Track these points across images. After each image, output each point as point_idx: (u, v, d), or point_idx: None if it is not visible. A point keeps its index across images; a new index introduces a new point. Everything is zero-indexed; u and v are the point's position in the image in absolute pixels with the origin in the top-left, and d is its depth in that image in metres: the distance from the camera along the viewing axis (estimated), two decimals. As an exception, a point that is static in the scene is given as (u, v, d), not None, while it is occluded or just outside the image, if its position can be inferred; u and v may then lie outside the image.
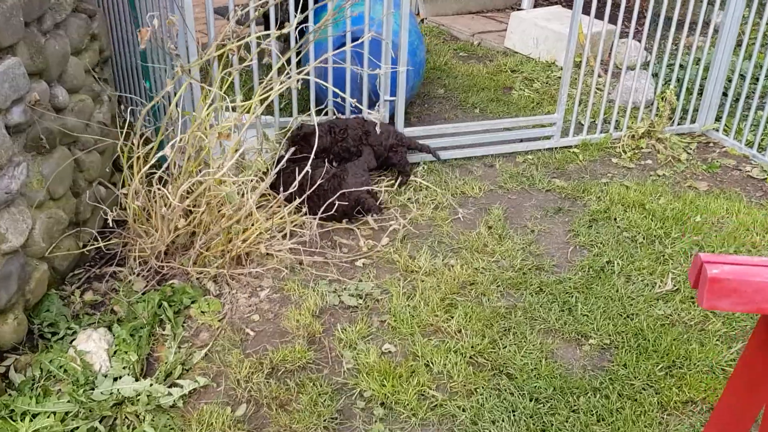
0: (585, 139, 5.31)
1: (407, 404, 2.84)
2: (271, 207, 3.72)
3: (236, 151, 3.25)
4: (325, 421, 2.77)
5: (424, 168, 4.84)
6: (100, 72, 4.38)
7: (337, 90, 3.99)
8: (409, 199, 4.47)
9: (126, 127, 3.59)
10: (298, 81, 3.41)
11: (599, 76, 6.19)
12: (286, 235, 3.74)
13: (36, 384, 2.98)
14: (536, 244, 4.02)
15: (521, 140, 5.30)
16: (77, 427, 2.73)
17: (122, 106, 4.15)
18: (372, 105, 4.87)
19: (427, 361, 3.08)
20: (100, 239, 3.67)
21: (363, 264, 3.81)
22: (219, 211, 3.33)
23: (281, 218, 3.54)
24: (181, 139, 3.16)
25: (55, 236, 3.48)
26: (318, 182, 3.80)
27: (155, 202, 3.21)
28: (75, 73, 3.71)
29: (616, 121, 5.40)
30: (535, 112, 5.98)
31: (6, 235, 3.08)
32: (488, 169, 4.98)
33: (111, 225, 3.69)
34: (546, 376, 3.01)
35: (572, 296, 3.54)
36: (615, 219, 4.25)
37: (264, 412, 2.82)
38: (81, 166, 3.76)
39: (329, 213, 3.85)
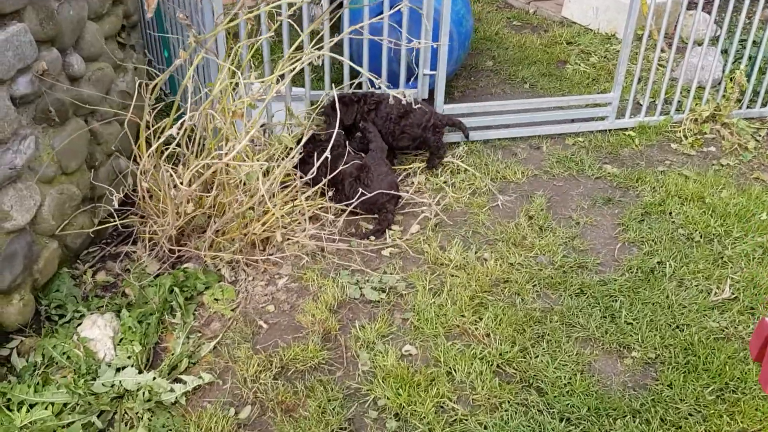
0: (642, 121, 4.88)
1: (423, 417, 2.60)
2: (290, 191, 3.46)
3: (249, 132, 2.98)
4: (332, 431, 2.54)
5: (463, 148, 4.51)
6: (126, 38, 4.19)
7: (357, 67, 3.68)
8: (445, 182, 4.17)
9: (151, 98, 3.37)
10: (319, 57, 3.10)
11: (662, 51, 5.69)
12: (308, 219, 3.49)
13: (37, 371, 2.84)
14: (580, 239, 3.68)
15: (573, 120, 4.91)
16: (73, 422, 2.57)
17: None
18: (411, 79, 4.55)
19: (450, 368, 2.82)
20: (116, 216, 3.50)
21: (390, 253, 3.55)
22: (239, 193, 3.10)
23: (299, 203, 3.28)
24: (191, 117, 2.92)
25: (68, 213, 3.32)
26: (339, 168, 3.55)
27: (164, 183, 2.99)
28: (93, 40, 3.51)
29: (678, 102, 4.94)
30: (590, 89, 5.56)
31: (10, 212, 2.92)
32: (534, 152, 4.62)
33: (125, 203, 3.54)
34: (580, 393, 2.72)
35: (616, 301, 3.21)
36: (670, 213, 3.87)
37: (268, 416, 2.62)
38: (98, 139, 3.58)
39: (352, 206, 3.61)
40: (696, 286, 3.31)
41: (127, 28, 4.19)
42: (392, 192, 3.71)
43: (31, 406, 2.67)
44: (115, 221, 3.47)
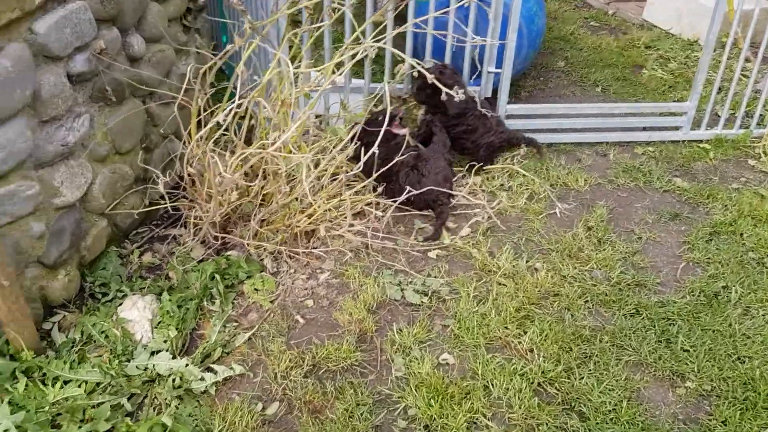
0: (719, 134, 4.58)
1: (454, 432, 2.48)
2: (336, 184, 3.37)
3: (296, 123, 2.91)
4: (357, 437, 2.46)
5: (525, 150, 4.33)
6: (192, 21, 4.19)
7: (410, 59, 3.55)
8: (501, 185, 4.01)
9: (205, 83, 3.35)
10: (372, 49, 2.99)
11: (747, 60, 5.33)
12: (356, 213, 3.40)
13: (74, 347, 2.86)
14: (641, 255, 3.47)
15: (644, 128, 4.66)
16: (103, 402, 2.57)
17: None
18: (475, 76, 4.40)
19: (487, 382, 2.69)
20: (167, 198, 3.50)
21: (437, 255, 3.44)
22: (282, 184, 3.04)
23: (343, 199, 3.19)
24: (239, 105, 2.87)
25: (119, 192, 3.34)
26: (394, 160, 3.44)
27: (210, 169, 2.96)
28: (155, 22, 3.51)
29: (761, 115, 4.62)
30: (665, 96, 5.27)
31: (60, 189, 2.95)
32: (600, 159, 4.40)
33: (179, 186, 3.54)
34: (625, 421, 2.54)
35: (674, 324, 3.00)
36: (741, 235, 3.60)
37: (294, 415, 2.56)
38: (155, 121, 3.59)
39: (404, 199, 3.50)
40: (763, 315, 3.06)
41: (193, 11, 4.20)
42: (444, 189, 3.58)
43: (66, 382, 2.69)
44: (165, 203, 3.47)
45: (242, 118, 3.12)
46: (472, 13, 4.05)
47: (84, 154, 3.08)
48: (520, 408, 2.57)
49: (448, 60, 4.20)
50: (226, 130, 3.08)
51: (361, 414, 2.54)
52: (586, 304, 3.11)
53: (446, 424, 2.50)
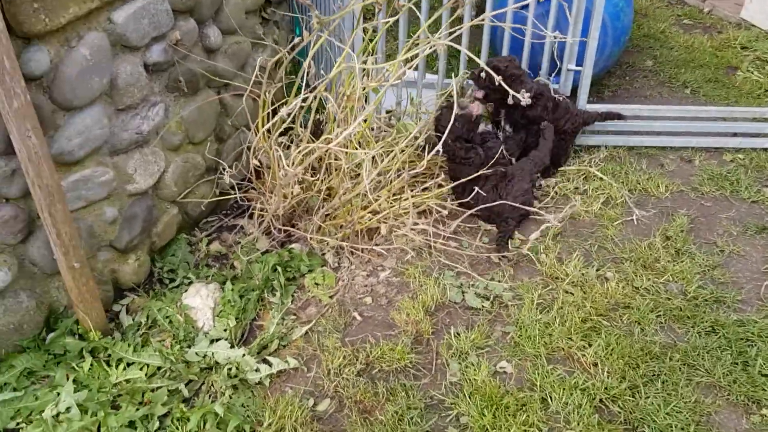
0: (820, 143, 4.25)
1: (506, 444, 2.40)
2: (399, 181, 3.31)
3: (358, 118, 2.87)
4: (406, 442, 2.41)
5: (604, 153, 4.16)
6: (271, 14, 4.23)
7: (475, 57, 3.44)
8: (576, 188, 3.86)
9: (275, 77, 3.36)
10: (437, 46, 2.90)
11: None
12: (414, 213, 3.35)
13: (139, 330, 2.94)
14: (722, 269, 3.25)
15: (735, 134, 4.37)
16: (160, 387, 2.63)
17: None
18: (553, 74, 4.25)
19: (545, 394, 2.58)
20: (237, 189, 3.55)
21: (501, 259, 3.33)
22: (345, 179, 3.02)
23: (405, 198, 3.14)
24: (305, 99, 2.86)
25: (190, 181, 3.41)
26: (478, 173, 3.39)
27: (274, 162, 2.97)
28: (232, 14, 3.55)
29: None
30: (760, 101, 4.93)
31: (134, 176, 3.04)
32: (684, 165, 4.17)
33: (250, 177, 3.57)
34: (692, 447, 2.39)
35: (753, 346, 2.80)
36: (838, 253, 3.33)
37: (344, 414, 2.54)
38: (228, 112, 3.64)
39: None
40: None
41: (273, 3, 4.23)
42: (520, 206, 3.46)
43: (129, 364, 2.77)
44: (234, 194, 3.53)
45: (315, 111, 3.11)
46: (553, 9, 3.90)
47: (158, 142, 3.17)
48: (578, 424, 2.46)
49: (525, 56, 4.06)
50: (293, 123, 3.08)
51: (411, 418, 2.50)
52: (658, 319, 2.95)
53: (499, 435, 2.42)
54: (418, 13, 3.43)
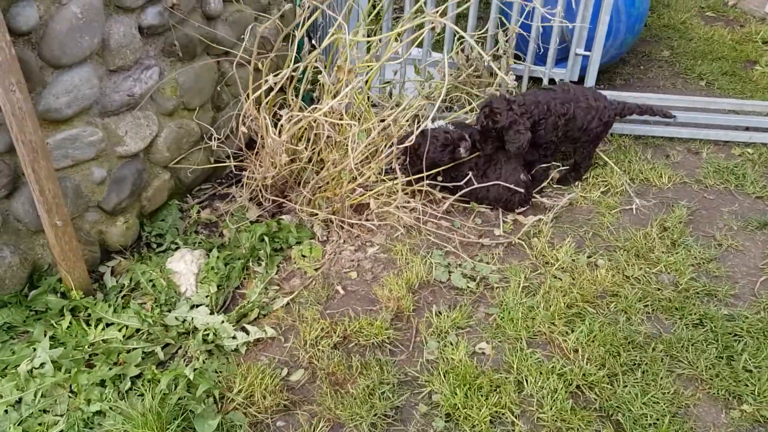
0: (834, 140, 4.13)
1: (475, 425, 2.36)
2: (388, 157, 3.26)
3: (347, 89, 2.83)
4: (375, 416, 2.39)
5: (611, 141, 4.07)
6: (278, -16, 4.18)
7: (464, 33, 3.36)
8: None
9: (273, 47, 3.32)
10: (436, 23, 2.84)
11: None
12: (417, 191, 3.31)
13: (122, 292, 2.95)
14: (718, 263, 3.18)
15: (747, 128, 4.27)
16: (135, 348, 2.63)
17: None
18: (561, 61, 4.17)
19: (521, 378, 2.54)
20: (232, 158, 3.53)
21: (492, 241, 3.28)
22: (333, 151, 2.99)
23: (393, 177, 3.10)
24: (295, 69, 2.82)
25: (184, 147, 3.40)
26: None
27: (262, 130, 2.94)
28: (234, -19, 3.52)
29: None
30: (777, 96, 4.80)
31: (124, 138, 3.03)
32: (690, 157, 4.07)
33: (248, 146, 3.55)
34: (666, 438, 2.34)
35: (741, 341, 2.73)
36: (840, 253, 3.23)
37: (316, 385, 2.52)
38: (228, 80, 3.61)
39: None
40: None
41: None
42: (515, 188, 3.38)
43: (108, 325, 2.77)
44: (229, 162, 3.51)
45: (311, 82, 3.07)
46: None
47: (153, 106, 3.15)
48: (551, 409, 2.41)
49: (533, 36, 3.97)
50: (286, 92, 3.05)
51: (383, 393, 2.47)
52: (645, 309, 2.89)
53: (469, 415, 2.38)
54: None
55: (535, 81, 4.35)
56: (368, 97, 3.80)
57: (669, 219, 3.44)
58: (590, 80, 4.07)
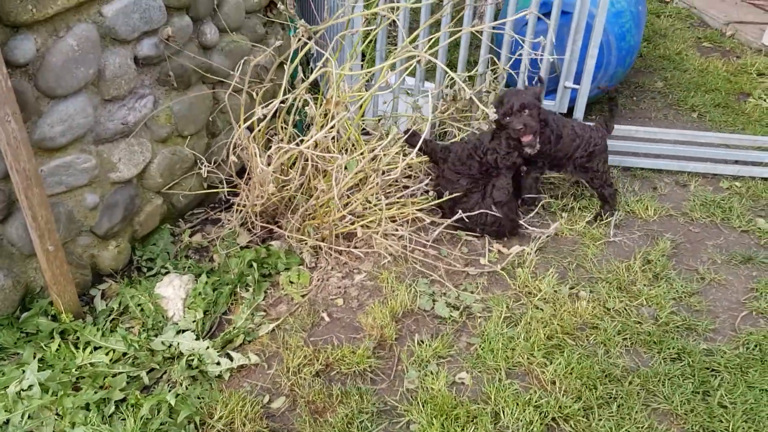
0: (821, 175, 4.18)
1: (451, 455, 2.40)
2: (371, 187, 3.33)
3: (335, 121, 2.91)
4: (352, 444, 2.43)
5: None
6: (277, 15, 4.28)
7: (448, 70, 3.44)
8: (565, 205, 3.84)
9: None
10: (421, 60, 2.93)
11: None
12: (411, 220, 3.37)
13: (111, 316, 3.01)
14: (699, 297, 3.22)
15: (736, 162, 4.33)
16: (121, 372, 2.69)
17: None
18: (550, 92, 4.25)
19: (498, 409, 2.58)
20: (225, 184, 3.61)
21: (477, 270, 3.34)
22: (320, 181, 3.06)
23: (375, 204, 3.16)
24: (282, 102, 2.91)
25: (177, 173, 3.47)
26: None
27: (251, 160, 3.02)
28: (232, 13, 3.62)
29: None
30: (768, 129, 4.87)
31: (117, 164, 3.11)
32: (678, 189, 4.13)
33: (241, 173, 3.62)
34: (638, 472, 2.37)
35: (717, 377, 2.76)
36: (822, 289, 3.27)
37: (296, 413, 2.56)
38: (223, 108, 3.69)
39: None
40: (826, 381, 2.76)
41: (278, 5, 4.28)
42: (497, 214, 3.43)
43: (96, 348, 2.83)
44: (222, 188, 3.59)
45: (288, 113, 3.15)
46: (551, 27, 3.89)
47: (147, 133, 3.23)
48: (525, 441, 2.46)
49: (522, 70, 4.05)
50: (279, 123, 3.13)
51: (361, 422, 2.51)
52: (624, 342, 2.93)
53: (445, 445, 2.43)
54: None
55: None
56: (361, 127, 3.90)
57: (653, 252, 3.49)
58: (579, 112, 4.14)
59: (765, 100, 5.30)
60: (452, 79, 3.39)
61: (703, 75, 5.74)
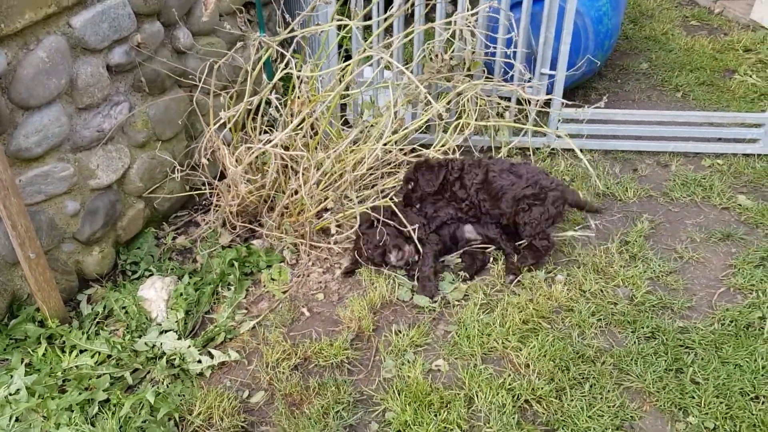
0: (803, 149, 4.18)
1: (424, 440, 2.45)
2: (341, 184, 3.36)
3: (304, 121, 2.96)
4: (328, 435, 2.49)
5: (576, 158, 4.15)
6: (254, 16, 4.33)
7: (398, 63, 3.46)
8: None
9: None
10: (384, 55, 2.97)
11: None
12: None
13: (96, 320, 3.08)
14: (677, 276, 3.25)
15: (719, 139, 4.33)
16: (104, 374, 2.76)
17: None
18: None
19: (472, 393, 2.63)
20: (207, 185, 3.67)
21: (455, 259, 3.38)
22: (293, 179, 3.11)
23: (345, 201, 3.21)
24: (250, 102, 2.96)
25: (158, 177, 3.54)
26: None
27: (222, 160, 3.08)
28: (201, 14, 3.67)
29: None
30: (753, 105, 4.86)
31: (96, 171, 3.17)
32: (659, 170, 4.15)
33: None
34: (608, 450, 2.41)
35: (691, 353, 2.80)
36: (798, 262, 3.29)
37: (274, 406, 2.62)
38: (201, 110, 3.75)
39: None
40: (799, 353, 2.78)
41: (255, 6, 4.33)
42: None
43: (81, 351, 2.90)
44: (203, 190, 3.65)
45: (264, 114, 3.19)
46: (524, 15, 3.92)
47: (125, 139, 3.29)
48: (497, 423, 2.50)
49: (498, 57, 4.07)
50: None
51: (337, 412, 2.57)
52: (599, 323, 2.96)
53: (418, 431, 2.47)
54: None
55: (506, 99, 4.42)
56: (341, 121, 3.94)
57: (631, 233, 3.51)
58: (557, 97, 4.15)
59: (750, 76, 5.29)
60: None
61: (689, 54, 5.73)
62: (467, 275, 3.21)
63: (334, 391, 2.65)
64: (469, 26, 3.36)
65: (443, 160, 3.46)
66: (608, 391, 2.63)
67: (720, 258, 3.39)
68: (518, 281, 3.17)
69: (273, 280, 3.29)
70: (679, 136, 4.30)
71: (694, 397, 2.60)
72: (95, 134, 3.12)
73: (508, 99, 4.20)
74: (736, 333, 2.88)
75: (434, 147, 3.67)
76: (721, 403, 2.57)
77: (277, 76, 3.09)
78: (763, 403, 2.56)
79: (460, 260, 3.34)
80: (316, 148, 3.31)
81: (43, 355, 2.86)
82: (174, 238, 3.58)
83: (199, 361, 2.84)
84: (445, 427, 2.49)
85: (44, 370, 2.77)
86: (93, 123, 3.10)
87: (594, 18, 4.46)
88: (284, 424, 2.52)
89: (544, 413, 2.56)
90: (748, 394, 2.61)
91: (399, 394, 2.63)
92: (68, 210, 3.09)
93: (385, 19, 3.39)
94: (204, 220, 3.60)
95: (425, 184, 3.33)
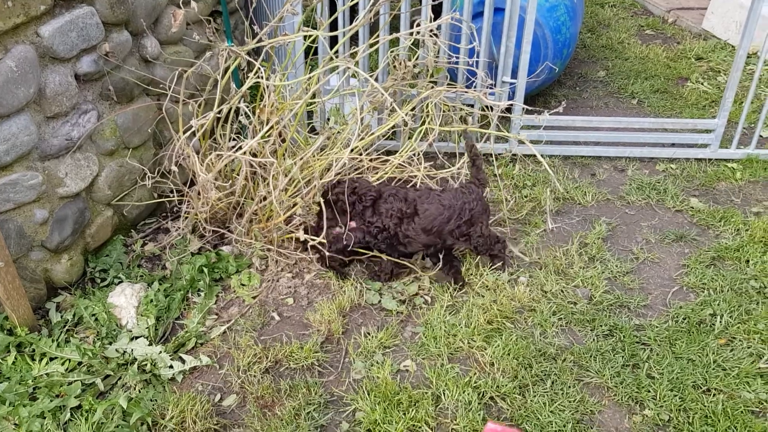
0: (752, 154, 4.39)
1: (393, 438, 2.53)
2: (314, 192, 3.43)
3: (274, 128, 3.03)
4: (300, 435, 2.55)
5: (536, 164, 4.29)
6: (221, 24, 4.37)
7: (362, 71, 3.56)
8: (508, 197, 3.99)
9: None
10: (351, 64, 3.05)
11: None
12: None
13: (66, 327, 3.09)
14: (633, 276, 3.39)
15: (673, 145, 4.52)
16: (75, 380, 2.78)
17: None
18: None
19: (439, 392, 2.72)
20: (175, 193, 3.70)
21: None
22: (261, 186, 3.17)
23: (309, 206, 3.28)
24: (219, 111, 3.02)
25: (126, 185, 3.56)
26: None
27: (191, 168, 3.13)
28: (171, 25, 3.71)
29: (798, 136, 4.39)
30: (704, 112, 5.08)
31: (65, 179, 3.19)
32: (616, 174, 4.31)
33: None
34: (569, 443, 2.52)
35: (647, 349, 2.93)
36: (747, 261, 3.46)
37: (246, 409, 2.68)
38: (170, 118, 3.78)
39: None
40: (747, 348, 2.93)
41: (222, 15, 4.37)
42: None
43: (51, 359, 2.91)
44: (171, 197, 3.67)
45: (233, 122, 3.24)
46: (485, 24, 4.04)
47: (93, 148, 3.31)
48: (464, 420, 2.59)
49: (461, 66, 4.19)
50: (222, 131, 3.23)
51: (308, 413, 2.64)
52: (560, 322, 3.08)
53: (388, 430, 2.55)
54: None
55: (470, 106, 4.54)
56: (308, 128, 4.01)
57: (589, 236, 3.65)
58: (518, 108, 4.28)
59: (702, 84, 5.52)
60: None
61: (644, 62, 5.94)
62: (459, 286, 3.28)
63: (305, 392, 2.72)
64: (432, 36, 3.45)
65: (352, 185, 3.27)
66: (569, 386, 2.74)
67: (673, 258, 3.55)
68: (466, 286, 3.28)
69: (243, 285, 3.33)
70: (634, 142, 4.47)
71: (649, 391, 2.73)
72: (64, 143, 3.13)
73: (472, 106, 4.31)
74: (688, 329, 3.03)
75: (400, 153, 3.76)
76: (675, 396, 2.70)
77: (247, 84, 3.15)
78: (714, 395, 2.70)
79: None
80: (284, 156, 3.37)
81: (13, 363, 2.86)
82: (143, 245, 3.60)
83: (171, 367, 2.87)
84: (414, 425, 2.58)
85: (14, 378, 2.78)
86: (61, 131, 3.11)
87: (553, 28, 4.62)
88: (256, 426, 2.57)
89: (508, 409, 2.66)
90: (700, 387, 2.75)
91: (368, 394, 2.70)
92: (37, 218, 3.09)
93: (350, 30, 3.47)
94: (174, 226, 3.62)
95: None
